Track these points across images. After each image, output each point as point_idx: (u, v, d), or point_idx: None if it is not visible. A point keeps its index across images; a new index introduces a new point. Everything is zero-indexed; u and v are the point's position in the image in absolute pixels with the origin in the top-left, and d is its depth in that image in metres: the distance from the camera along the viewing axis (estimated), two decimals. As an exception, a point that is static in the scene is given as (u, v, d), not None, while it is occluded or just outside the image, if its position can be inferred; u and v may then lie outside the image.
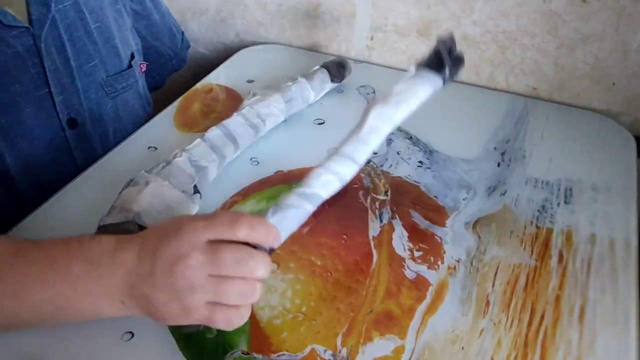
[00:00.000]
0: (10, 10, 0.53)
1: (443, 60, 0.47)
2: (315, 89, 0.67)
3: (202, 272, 0.34)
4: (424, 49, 0.76)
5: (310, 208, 0.41)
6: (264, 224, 0.37)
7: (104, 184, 0.56)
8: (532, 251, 0.50)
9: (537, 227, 0.52)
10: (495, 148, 0.63)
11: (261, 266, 0.35)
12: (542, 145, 0.63)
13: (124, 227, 0.46)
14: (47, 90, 0.56)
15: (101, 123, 0.63)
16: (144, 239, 0.37)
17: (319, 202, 0.42)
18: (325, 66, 0.70)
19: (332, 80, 0.70)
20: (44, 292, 0.37)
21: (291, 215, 0.40)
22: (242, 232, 0.35)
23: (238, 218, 0.36)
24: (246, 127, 0.59)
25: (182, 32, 0.84)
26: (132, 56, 0.68)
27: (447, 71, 0.48)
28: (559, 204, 0.55)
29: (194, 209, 0.51)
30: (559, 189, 0.57)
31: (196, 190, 0.52)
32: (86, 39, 0.61)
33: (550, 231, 0.52)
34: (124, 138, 0.65)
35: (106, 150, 0.63)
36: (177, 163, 0.52)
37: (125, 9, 0.70)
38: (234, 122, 0.58)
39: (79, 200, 0.55)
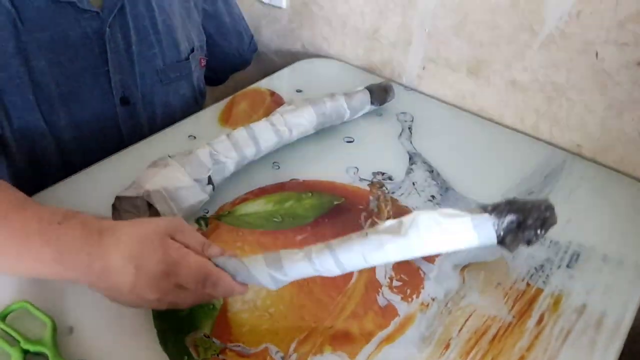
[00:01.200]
0: None
1: (526, 225, 0.40)
2: (352, 108, 0.70)
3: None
4: (473, 87, 0.76)
5: (273, 285, 0.44)
6: (228, 284, 0.42)
7: (142, 162, 0.62)
8: (512, 307, 0.49)
9: (528, 284, 0.51)
10: (515, 197, 0.62)
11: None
12: (565, 204, 0.61)
13: (133, 202, 0.52)
14: (106, 69, 0.64)
15: (151, 105, 0.70)
16: (112, 256, 0.41)
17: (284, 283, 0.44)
18: (369, 88, 0.72)
19: (372, 103, 0.72)
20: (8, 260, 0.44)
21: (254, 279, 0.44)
22: (208, 289, 0.42)
23: (205, 279, 0.41)
24: (271, 133, 0.63)
25: (252, 36, 0.90)
26: (192, 50, 0.74)
27: (517, 231, 0.40)
28: (559, 267, 0.53)
29: (203, 198, 0.56)
30: (565, 252, 0.55)
31: (210, 182, 0.57)
32: (150, 29, 0.67)
33: (539, 291, 0.50)
34: (171, 123, 0.72)
35: (152, 130, 0.71)
36: (198, 153, 0.57)
37: (196, 8, 0.76)
38: (261, 125, 0.62)
39: (117, 172, 0.62)
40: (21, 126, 0.61)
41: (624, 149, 0.66)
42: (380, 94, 0.72)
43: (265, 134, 0.62)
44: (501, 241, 0.41)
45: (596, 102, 0.65)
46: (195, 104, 0.78)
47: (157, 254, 0.40)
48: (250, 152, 0.61)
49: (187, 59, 0.73)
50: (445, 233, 0.41)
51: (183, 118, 0.73)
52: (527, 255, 0.54)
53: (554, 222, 0.41)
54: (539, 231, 0.40)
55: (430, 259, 0.53)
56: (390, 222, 0.43)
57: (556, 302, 0.49)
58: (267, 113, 0.72)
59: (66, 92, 0.62)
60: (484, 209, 0.41)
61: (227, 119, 0.74)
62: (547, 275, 0.52)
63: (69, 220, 0.43)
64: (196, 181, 0.55)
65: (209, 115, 0.74)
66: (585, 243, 0.56)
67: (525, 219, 0.40)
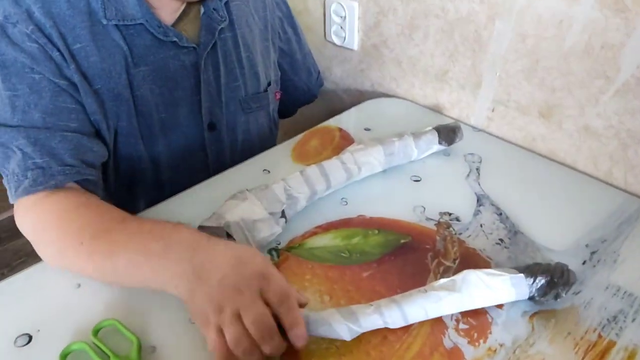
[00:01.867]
0: (186, 34, 0.68)
1: (556, 284, 0.51)
2: (419, 148, 0.72)
3: (231, 307, 0.44)
4: (544, 130, 0.76)
5: (348, 336, 0.48)
6: (297, 320, 0.45)
7: (223, 193, 0.67)
8: (583, 358, 0.48)
9: (600, 336, 0.50)
10: (587, 245, 0.61)
11: (272, 347, 0.44)
12: (640, 254, 0.59)
13: (214, 232, 0.56)
14: (198, 97, 0.71)
15: (233, 131, 0.77)
16: (217, 253, 0.48)
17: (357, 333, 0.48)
18: (437, 129, 0.74)
19: (439, 143, 0.73)
20: (121, 256, 0.51)
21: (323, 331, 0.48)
22: (283, 307, 0.45)
23: (288, 298, 0.45)
24: (341, 170, 0.65)
25: (319, 72, 0.96)
26: (269, 84, 0.81)
27: (547, 288, 0.51)
28: (633, 320, 0.51)
29: (276, 230, 0.59)
30: (640, 305, 0.53)
31: (283, 215, 0.60)
32: (236, 64, 0.75)
33: (612, 344, 0.49)
34: (250, 148, 0.78)
35: (233, 153, 0.77)
36: (273, 188, 0.61)
37: (273, 46, 0.83)
38: (331, 163, 0.65)
39: (203, 198, 0.67)
40: (125, 151, 0.68)
41: None
42: (448, 134, 0.74)
43: (335, 171, 0.65)
44: (532, 297, 0.52)
45: (676, 150, 0.63)
46: (270, 133, 0.84)
47: (258, 260, 0.47)
48: (320, 188, 0.64)
49: (266, 91, 0.80)
50: (490, 289, 0.51)
51: (260, 144, 0.79)
52: (599, 306, 0.53)
53: (574, 281, 0.53)
54: (564, 289, 0.52)
55: (498, 305, 0.53)
56: (444, 280, 0.52)
57: (630, 357, 0.48)
58: (337, 150, 0.75)
59: (164, 118, 0.69)
60: (518, 269, 0.52)
61: (300, 155, 0.78)
62: (621, 328, 0.51)
63: (180, 227, 0.51)
64: (271, 214, 0.59)
65: (282, 150, 0.78)
66: (662, 297, 0.54)
67: (552, 278, 0.51)
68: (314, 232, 0.63)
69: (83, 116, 0.62)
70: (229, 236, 0.56)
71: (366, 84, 0.99)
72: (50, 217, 0.56)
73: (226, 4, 0.73)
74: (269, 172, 0.73)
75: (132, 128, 0.67)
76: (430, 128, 0.74)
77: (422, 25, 0.84)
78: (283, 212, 0.60)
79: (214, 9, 0.71)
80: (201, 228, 0.57)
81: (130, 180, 0.72)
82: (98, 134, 0.65)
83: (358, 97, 1.01)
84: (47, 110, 0.59)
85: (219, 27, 0.71)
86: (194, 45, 0.69)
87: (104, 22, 0.62)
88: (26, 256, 1.64)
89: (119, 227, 0.54)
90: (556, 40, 0.69)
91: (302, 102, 0.97)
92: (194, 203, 0.67)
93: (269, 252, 0.60)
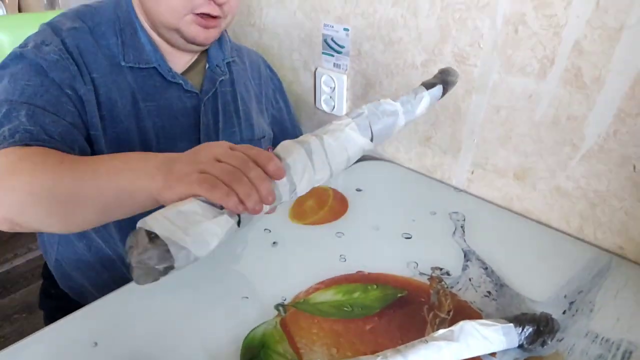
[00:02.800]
0: (190, 81, 0.78)
1: (542, 332, 0.57)
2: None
3: (216, 155, 0.47)
4: (519, 191, 0.83)
5: None
6: (270, 156, 0.48)
7: (220, 256, 0.71)
8: (570, 399, 0.53)
9: (584, 379, 0.55)
10: (565, 296, 0.67)
11: (256, 174, 0.46)
12: (613, 303, 0.65)
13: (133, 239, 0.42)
14: (197, 137, 0.79)
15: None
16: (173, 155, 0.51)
17: None
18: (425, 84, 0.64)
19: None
20: (103, 164, 0.53)
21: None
22: (253, 151, 0.48)
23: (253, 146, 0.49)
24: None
25: None
26: (263, 136, 0.89)
27: (534, 337, 0.57)
28: (612, 364, 0.57)
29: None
30: (617, 349, 0.59)
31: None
32: (233, 114, 0.83)
33: (595, 386, 0.54)
34: None
35: None
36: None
37: (266, 111, 0.93)
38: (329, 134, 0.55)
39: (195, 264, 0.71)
40: None
41: (666, 253, 0.71)
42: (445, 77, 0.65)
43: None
44: (521, 345, 0.57)
45: (636, 208, 0.71)
46: None
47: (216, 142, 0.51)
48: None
49: (259, 140, 0.88)
50: (484, 339, 0.56)
51: None
52: (581, 351, 0.58)
53: (558, 329, 0.59)
54: (549, 336, 0.58)
55: (492, 353, 0.58)
56: (443, 331, 0.57)
57: (613, 398, 0.53)
58: (332, 209, 0.81)
59: (163, 149, 0.75)
60: (508, 319, 0.58)
61: (297, 214, 0.83)
62: (602, 372, 0.56)
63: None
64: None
65: (281, 211, 0.83)
66: (636, 341, 0.60)
67: (538, 327, 0.57)
68: (317, 288, 0.67)
69: (78, 120, 0.67)
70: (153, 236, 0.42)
71: (354, 147, 1.07)
72: (31, 152, 0.57)
73: (228, 63, 0.84)
74: (270, 231, 0.78)
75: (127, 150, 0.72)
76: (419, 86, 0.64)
77: (406, 96, 0.93)
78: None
79: (217, 65, 0.82)
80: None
81: None
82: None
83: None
84: (50, 102, 0.64)
85: (220, 79, 0.81)
86: (197, 91, 0.78)
87: (122, 63, 0.72)
88: (2, 320, 1.61)
89: (93, 157, 0.57)
90: (527, 112, 0.78)
91: None
92: (198, 265, 0.70)
93: (275, 307, 0.63)
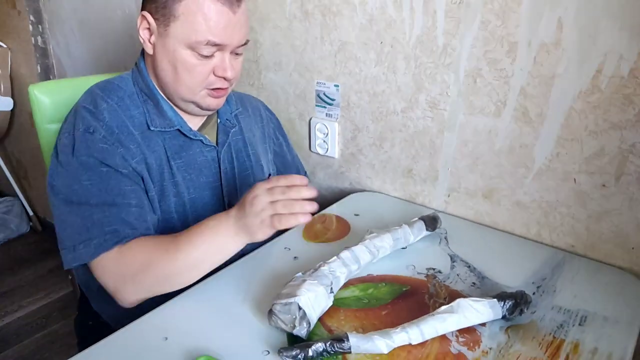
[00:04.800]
0: (207, 137, 0.92)
1: (519, 304, 0.73)
2: (414, 234, 0.93)
3: (265, 199, 0.70)
4: (487, 207, 1.02)
5: (385, 349, 0.67)
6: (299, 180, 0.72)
7: (258, 264, 0.85)
8: (546, 351, 0.69)
9: (554, 337, 0.72)
10: (533, 282, 0.84)
11: (297, 192, 0.70)
12: (570, 286, 0.83)
13: (287, 308, 0.69)
14: (219, 183, 0.93)
15: None
16: (239, 209, 0.74)
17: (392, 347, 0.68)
18: (422, 218, 0.96)
19: (426, 229, 0.95)
20: (195, 245, 0.75)
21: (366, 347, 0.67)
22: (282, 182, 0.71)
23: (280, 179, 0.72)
24: (367, 253, 0.85)
25: (306, 172, 1.21)
26: (270, 174, 1.04)
27: (513, 308, 0.73)
28: (573, 325, 0.74)
29: (329, 303, 0.74)
30: (576, 315, 0.76)
31: (331, 291, 0.76)
32: (245, 158, 0.99)
33: (562, 341, 0.71)
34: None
35: None
36: (322, 271, 0.77)
37: (269, 148, 1.09)
38: (359, 249, 0.84)
39: (234, 277, 0.85)
40: (161, 226, 0.87)
41: (605, 247, 0.90)
42: (431, 222, 0.95)
43: (363, 255, 0.84)
44: (504, 316, 0.73)
45: (580, 213, 0.91)
46: None
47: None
48: (354, 267, 0.82)
49: (268, 177, 1.03)
50: (476, 311, 0.72)
51: None
52: (550, 319, 0.75)
53: (531, 301, 0.76)
54: (524, 306, 0.74)
55: (482, 324, 0.74)
56: (444, 307, 0.72)
57: (575, 347, 0.70)
58: (337, 231, 0.97)
59: (194, 197, 0.90)
60: (493, 296, 0.74)
61: (310, 235, 0.99)
62: (566, 331, 0.73)
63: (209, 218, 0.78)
64: (326, 290, 0.74)
65: (296, 232, 0.99)
66: (589, 309, 0.77)
67: (516, 300, 0.74)
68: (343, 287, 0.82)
69: (140, 194, 0.82)
70: (300, 309, 0.69)
71: (345, 183, 1.25)
72: (136, 252, 0.76)
73: (235, 116, 1.00)
74: (289, 249, 0.93)
75: (169, 204, 0.87)
76: (417, 219, 0.95)
77: (389, 138, 1.12)
78: (331, 288, 0.76)
79: (227, 119, 0.97)
80: (275, 305, 0.70)
81: None
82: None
83: (338, 194, 1.26)
84: (114, 192, 0.79)
85: (232, 131, 0.96)
86: (214, 145, 0.93)
87: (152, 128, 0.86)
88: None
89: (183, 238, 0.76)
90: (488, 144, 0.98)
91: None
92: (232, 280, 0.85)
93: (307, 304, 0.78)
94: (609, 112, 0.83)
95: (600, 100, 0.83)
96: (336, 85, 1.16)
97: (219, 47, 0.81)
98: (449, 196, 1.08)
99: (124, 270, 0.76)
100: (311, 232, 1.00)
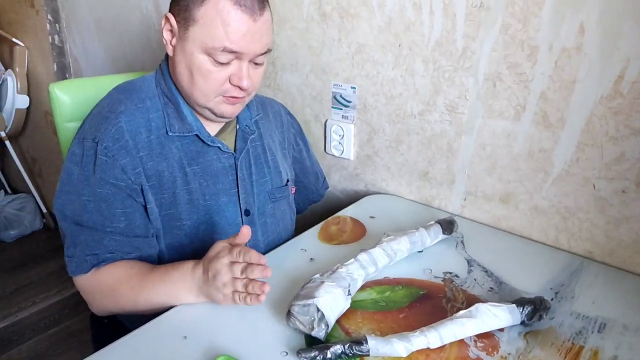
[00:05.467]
0: (225, 142, 0.91)
1: (538, 309, 0.73)
2: (430, 237, 0.92)
3: (227, 277, 0.72)
4: (505, 212, 1.02)
5: (404, 353, 0.67)
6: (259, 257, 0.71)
7: (275, 265, 0.85)
8: (564, 357, 0.69)
9: (573, 343, 0.71)
10: (551, 288, 0.84)
11: (255, 272, 0.71)
12: (589, 292, 0.83)
13: (306, 309, 0.70)
14: (236, 190, 0.92)
15: (263, 216, 0.97)
16: (203, 269, 0.76)
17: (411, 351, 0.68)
18: (439, 222, 0.95)
19: (443, 233, 0.95)
20: (154, 288, 0.79)
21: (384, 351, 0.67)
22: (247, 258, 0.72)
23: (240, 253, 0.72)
24: (384, 256, 0.85)
25: (324, 178, 1.21)
26: (288, 180, 1.03)
27: (532, 314, 0.73)
28: (592, 332, 0.74)
29: (347, 305, 0.75)
30: (595, 322, 0.76)
31: (349, 293, 0.76)
32: (264, 165, 0.97)
33: (581, 348, 0.71)
34: (276, 229, 0.98)
35: (263, 233, 0.96)
36: (340, 273, 0.78)
37: (288, 154, 1.08)
38: (377, 251, 0.85)
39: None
40: (173, 235, 0.88)
41: (624, 253, 0.90)
42: (448, 225, 0.95)
43: (381, 257, 0.84)
44: (523, 321, 0.73)
45: (599, 219, 0.91)
46: (290, 219, 1.04)
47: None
48: (372, 270, 0.82)
49: (286, 185, 1.02)
50: (494, 316, 0.72)
51: (283, 227, 1.00)
52: (568, 325, 0.75)
53: (550, 307, 0.76)
54: (543, 312, 0.74)
55: (500, 329, 0.74)
56: (463, 311, 0.72)
57: (595, 354, 0.69)
58: (352, 233, 0.98)
59: (210, 204, 0.89)
60: (512, 302, 0.74)
61: (325, 237, 0.99)
62: (585, 337, 0.72)
63: (177, 265, 0.81)
64: (344, 292, 0.75)
65: (311, 234, 0.99)
66: (608, 316, 0.77)
67: (535, 306, 0.74)
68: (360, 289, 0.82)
69: (131, 215, 0.84)
70: (318, 310, 0.69)
71: (360, 185, 1.25)
72: (105, 281, 0.83)
73: (255, 122, 0.98)
74: (305, 250, 0.93)
75: (184, 212, 0.87)
76: (433, 222, 0.95)
77: (406, 140, 1.12)
78: (349, 290, 0.77)
79: (246, 125, 0.95)
80: (293, 306, 0.71)
81: (178, 257, 0.87)
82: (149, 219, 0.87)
83: (353, 196, 1.26)
84: (104, 214, 0.82)
85: (250, 137, 0.95)
86: (232, 152, 0.92)
87: (170, 134, 0.86)
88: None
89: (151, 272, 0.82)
90: (507, 148, 0.98)
91: (311, 200, 1.20)
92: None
93: (325, 305, 0.78)
94: (631, 118, 0.82)
95: (621, 106, 0.83)
96: (353, 88, 1.16)
97: (237, 54, 0.80)
98: (465, 200, 1.07)
99: (93, 292, 0.84)
100: (326, 235, 1.00)
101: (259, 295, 0.71)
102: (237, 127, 0.95)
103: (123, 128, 0.83)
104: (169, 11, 0.83)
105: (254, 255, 0.71)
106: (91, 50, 1.90)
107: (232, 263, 0.72)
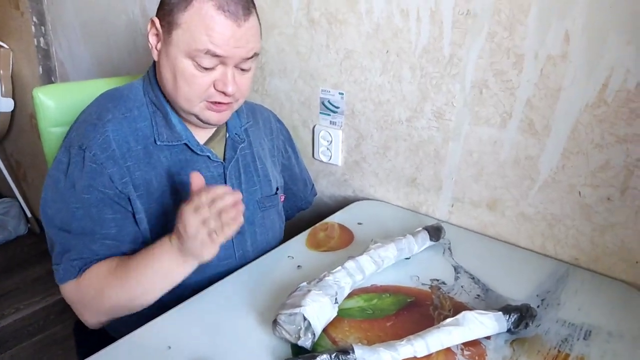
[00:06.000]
0: (214, 151, 0.90)
1: (524, 317, 0.73)
2: (418, 244, 0.92)
3: (195, 221, 0.71)
4: (492, 218, 1.02)
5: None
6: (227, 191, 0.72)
7: (261, 273, 0.85)
8: (551, 365, 0.69)
9: (559, 351, 0.72)
10: (537, 295, 0.84)
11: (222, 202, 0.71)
12: (574, 298, 0.83)
13: (292, 318, 0.69)
14: None
15: (252, 225, 0.95)
16: (177, 236, 0.74)
17: None
18: (426, 228, 0.96)
19: (430, 239, 0.95)
20: (143, 273, 0.77)
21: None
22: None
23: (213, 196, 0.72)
24: (372, 264, 0.84)
25: (313, 184, 1.20)
26: (277, 189, 1.02)
27: (518, 322, 0.72)
28: (578, 339, 0.74)
29: (334, 314, 0.74)
30: (580, 329, 0.76)
31: (336, 301, 0.75)
32: (253, 173, 0.96)
33: (567, 355, 0.71)
34: (265, 238, 0.97)
35: (252, 242, 0.94)
36: (327, 281, 0.77)
37: (277, 161, 1.07)
38: (364, 259, 0.84)
39: (238, 286, 0.85)
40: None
41: (609, 260, 0.90)
42: (435, 232, 0.95)
43: (368, 264, 0.84)
44: (509, 329, 0.73)
45: (585, 226, 0.91)
46: (279, 227, 1.03)
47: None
48: (359, 277, 0.82)
49: (275, 194, 1.01)
50: (481, 324, 0.72)
51: (272, 235, 0.99)
52: (554, 332, 0.75)
53: (536, 314, 0.76)
54: (530, 320, 0.74)
55: (487, 337, 0.74)
56: (450, 319, 0.72)
57: (581, 362, 0.70)
58: (340, 240, 0.97)
59: None
60: (499, 309, 0.74)
61: (312, 243, 0.98)
62: (571, 345, 0.73)
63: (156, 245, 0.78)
64: (329, 298, 0.74)
65: (298, 241, 0.99)
66: (593, 323, 0.77)
67: (521, 313, 0.74)
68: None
69: (122, 221, 0.82)
70: (305, 319, 0.68)
71: (348, 191, 1.24)
72: (92, 279, 0.79)
73: (245, 130, 0.97)
74: (292, 257, 0.93)
75: (171, 221, 0.83)
76: (421, 229, 0.95)
77: (394, 146, 1.12)
78: (336, 298, 0.76)
79: (236, 134, 0.94)
80: (279, 315, 0.70)
81: None
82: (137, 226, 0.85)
83: (341, 202, 1.26)
84: (94, 219, 0.80)
85: (240, 146, 0.94)
86: (221, 161, 0.91)
87: (158, 143, 0.85)
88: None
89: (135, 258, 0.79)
90: (493, 155, 0.98)
91: (299, 207, 1.19)
92: (236, 288, 0.84)
93: (311, 313, 0.77)
94: (615, 126, 0.83)
95: (606, 114, 0.83)
96: (341, 93, 1.16)
97: (221, 59, 0.79)
98: (452, 206, 1.07)
99: (82, 297, 0.80)
100: (314, 241, 1.00)
101: (234, 218, 0.72)
102: (227, 135, 0.94)
103: (110, 137, 0.81)
104: (156, 15, 0.82)
105: (216, 188, 0.72)
106: (77, 53, 1.88)
107: (196, 208, 0.71)
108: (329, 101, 1.19)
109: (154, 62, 0.87)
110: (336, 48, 1.13)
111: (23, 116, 2.24)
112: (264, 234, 0.98)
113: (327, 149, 1.23)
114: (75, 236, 0.80)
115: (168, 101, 0.86)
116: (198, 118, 0.85)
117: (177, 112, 0.87)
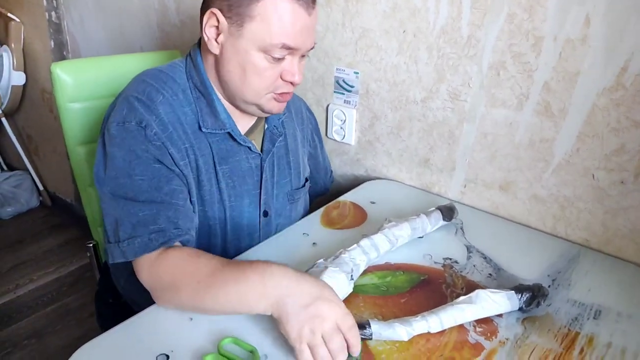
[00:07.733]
0: (254, 143, 0.90)
1: (536, 296, 0.75)
2: (431, 223, 0.93)
3: (320, 332, 0.61)
4: (504, 199, 1.03)
5: (406, 337, 0.69)
6: (358, 342, 0.64)
7: (278, 249, 0.87)
8: (561, 343, 0.71)
9: (569, 329, 0.73)
10: (548, 275, 0.86)
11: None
12: (585, 280, 0.85)
13: None
14: (258, 191, 0.91)
15: (280, 217, 0.97)
16: (300, 283, 0.64)
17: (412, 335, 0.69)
18: (439, 208, 0.96)
19: (443, 219, 0.97)
20: (230, 294, 0.67)
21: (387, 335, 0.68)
22: (350, 334, 0.63)
23: (353, 326, 0.63)
24: (386, 242, 0.86)
25: (331, 172, 1.22)
26: (306, 180, 1.03)
27: (530, 300, 0.74)
28: (588, 318, 0.76)
29: (349, 290, 0.76)
30: (590, 309, 0.78)
31: (352, 278, 0.78)
32: (286, 166, 0.97)
33: (577, 334, 0.73)
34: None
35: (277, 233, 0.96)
36: (343, 258, 0.79)
37: (306, 152, 1.07)
38: (379, 237, 0.86)
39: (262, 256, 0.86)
40: (206, 223, 0.87)
41: (620, 242, 0.91)
42: (448, 212, 0.96)
43: (382, 243, 0.86)
44: (521, 308, 0.75)
45: (597, 209, 0.92)
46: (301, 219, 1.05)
47: (334, 297, 0.65)
48: (374, 255, 0.84)
49: (304, 185, 1.02)
50: (494, 302, 0.74)
51: None
52: (565, 312, 0.77)
53: (548, 293, 0.78)
54: (541, 299, 0.76)
55: (499, 315, 0.76)
56: (463, 297, 0.74)
57: (590, 340, 0.71)
58: (353, 218, 0.99)
59: (233, 205, 0.89)
60: (511, 288, 0.76)
61: (327, 221, 1.00)
62: (581, 324, 0.75)
63: (270, 263, 0.68)
64: (345, 275, 0.76)
65: (313, 219, 1.00)
66: (603, 303, 0.79)
67: (533, 293, 0.75)
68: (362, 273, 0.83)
69: (187, 196, 0.81)
70: None
71: (361, 170, 1.26)
72: (171, 267, 0.72)
73: (282, 122, 0.97)
74: (307, 234, 0.95)
75: (212, 209, 0.86)
76: (434, 208, 0.96)
77: (408, 127, 1.13)
78: (352, 275, 0.78)
79: (274, 126, 0.94)
80: None
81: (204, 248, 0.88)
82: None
83: (353, 181, 1.27)
84: (164, 191, 0.77)
85: (278, 139, 0.94)
86: (260, 152, 0.91)
87: (203, 130, 0.84)
88: (12, 347, 1.66)
89: (223, 268, 0.70)
90: (508, 137, 0.99)
91: (318, 194, 1.21)
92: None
93: (327, 289, 0.79)
94: (633, 110, 0.83)
95: (624, 98, 0.84)
96: (356, 73, 1.16)
97: (291, 50, 0.79)
98: (465, 187, 1.09)
99: (157, 280, 0.73)
100: (328, 219, 1.01)
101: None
102: (266, 127, 0.93)
103: (165, 119, 0.79)
104: (213, 7, 0.78)
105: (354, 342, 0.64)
106: (89, 27, 1.87)
107: (338, 329, 0.63)
108: (343, 80, 1.19)
109: (198, 46, 0.86)
110: (352, 26, 1.13)
111: (35, 90, 2.25)
112: (288, 225, 0.99)
113: (341, 128, 1.23)
114: (146, 205, 0.75)
115: (214, 88, 0.85)
116: (260, 108, 0.84)
117: (227, 100, 0.86)
